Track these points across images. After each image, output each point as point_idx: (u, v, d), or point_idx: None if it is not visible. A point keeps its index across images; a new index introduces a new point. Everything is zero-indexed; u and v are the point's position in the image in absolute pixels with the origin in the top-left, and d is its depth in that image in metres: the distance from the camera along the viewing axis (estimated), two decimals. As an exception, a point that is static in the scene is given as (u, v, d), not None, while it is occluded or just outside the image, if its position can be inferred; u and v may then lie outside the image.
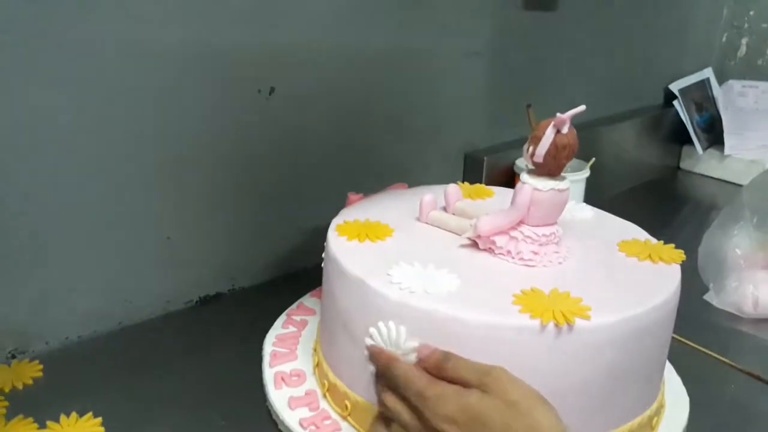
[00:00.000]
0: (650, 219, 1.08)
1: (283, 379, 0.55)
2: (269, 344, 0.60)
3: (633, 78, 1.21)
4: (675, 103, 1.26)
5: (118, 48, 0.58)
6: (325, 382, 0.53)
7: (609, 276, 0.50)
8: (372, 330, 0.45)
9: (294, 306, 0.67)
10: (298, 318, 0.64)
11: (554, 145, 0.46)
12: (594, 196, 0.89)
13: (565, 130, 0.46)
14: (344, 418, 0.51)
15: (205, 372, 0.59)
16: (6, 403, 0.53)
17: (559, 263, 0.50)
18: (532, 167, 0.49)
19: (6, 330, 0.59)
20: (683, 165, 1.33)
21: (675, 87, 1.26)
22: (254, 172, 0.71)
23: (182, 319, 0.68)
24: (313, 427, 0.50)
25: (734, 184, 1.22)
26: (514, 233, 0.50)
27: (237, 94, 0.67)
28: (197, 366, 0.60)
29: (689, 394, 0.56)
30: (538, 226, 0.49)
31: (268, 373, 0.56)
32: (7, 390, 0.55)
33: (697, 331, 0.67)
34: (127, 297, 0.65)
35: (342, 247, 0.51)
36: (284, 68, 0.69)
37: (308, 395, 0.53)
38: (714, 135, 1.30)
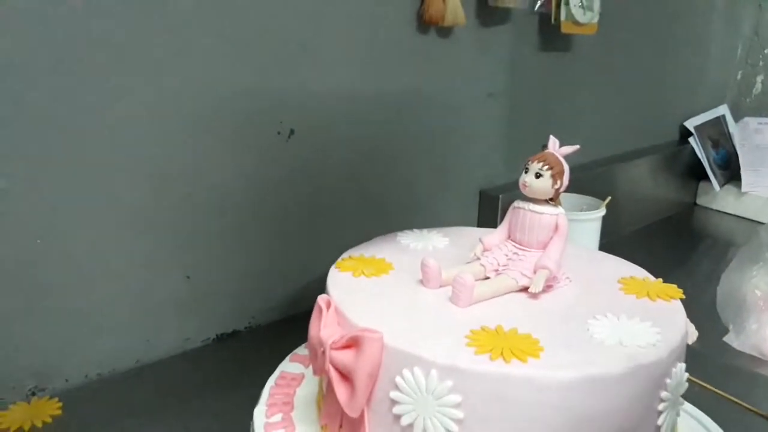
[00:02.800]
0: (667, 256, 1.08)
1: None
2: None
3: (648, 116, 1.21)
4: (691, 139, 1.26)
5: (138, 90, 0.59)
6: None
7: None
8: (398, 380, 0.42)
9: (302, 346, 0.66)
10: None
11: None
12: (610, 233, 0.89)
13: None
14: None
15: (222, 410, 0.59)
16: (25, 442, 0.53)
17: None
18: (552, 200, 0.51)
19: (26, 368, 0.59)
20: (700, 201, 1.33)
21: (690, 124, 1.27)
22: (272, 211, 0.72)
23: (199, 357, 0.69)
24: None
25: (752, 220, 1.22)
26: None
27: (256, 136, 0.68)
28: (214, 404, 0.60)
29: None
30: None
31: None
32: (26, 428, 0.55)
33: (717, 375, 0.66)
34: (146, 335, 0.66)
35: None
36: (304, 111, 0.70)
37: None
38: (730, 171, 1.29)
